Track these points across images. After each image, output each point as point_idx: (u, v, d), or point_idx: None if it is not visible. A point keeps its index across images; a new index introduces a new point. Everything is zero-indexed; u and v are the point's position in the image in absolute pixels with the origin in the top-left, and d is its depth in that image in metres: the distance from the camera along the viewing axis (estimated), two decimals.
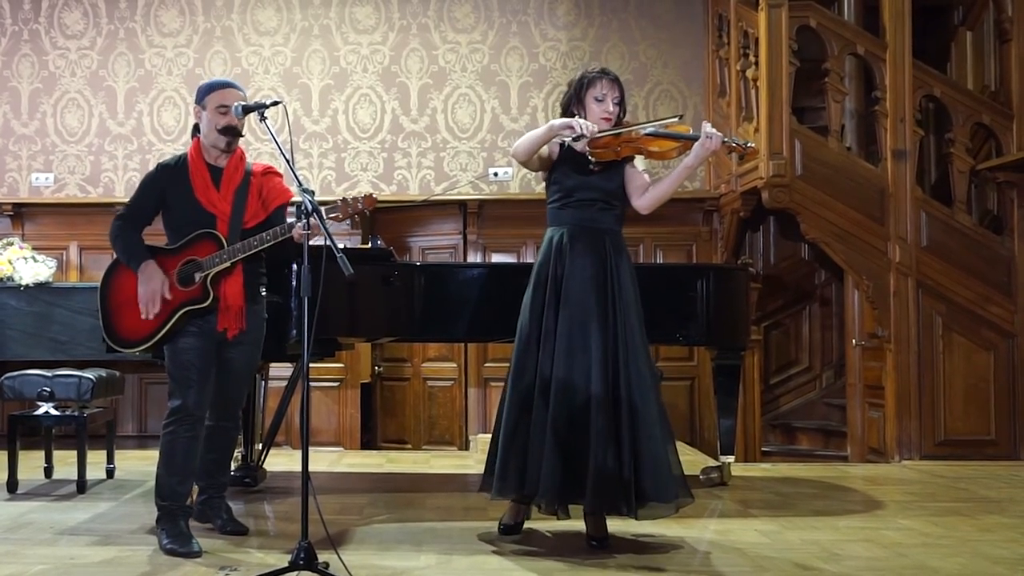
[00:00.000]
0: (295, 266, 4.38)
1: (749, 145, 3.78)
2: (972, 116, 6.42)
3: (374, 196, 3.52)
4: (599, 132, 3.73)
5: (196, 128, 3.88)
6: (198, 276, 3.71)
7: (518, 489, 3.72)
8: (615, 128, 3.79)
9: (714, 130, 3.67)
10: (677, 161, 3.85)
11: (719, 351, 5.22)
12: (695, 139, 3.71)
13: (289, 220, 3.74)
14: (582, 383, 3.63)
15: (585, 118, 3.77)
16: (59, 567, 3.44)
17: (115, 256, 3.89)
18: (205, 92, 3.83)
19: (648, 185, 3.87)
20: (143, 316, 3.71)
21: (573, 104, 3.85)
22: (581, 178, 3.78)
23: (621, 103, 3.84)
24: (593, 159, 3.77)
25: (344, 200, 3.50)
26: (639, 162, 3.88)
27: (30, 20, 7.64)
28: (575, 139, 3.72)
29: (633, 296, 3.76)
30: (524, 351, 3.76)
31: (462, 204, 7.49)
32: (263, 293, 3.94)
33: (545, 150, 3.79)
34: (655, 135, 3.78)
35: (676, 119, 3.99)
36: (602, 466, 3.57)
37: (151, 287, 3.71)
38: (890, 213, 6.27)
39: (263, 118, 3.60)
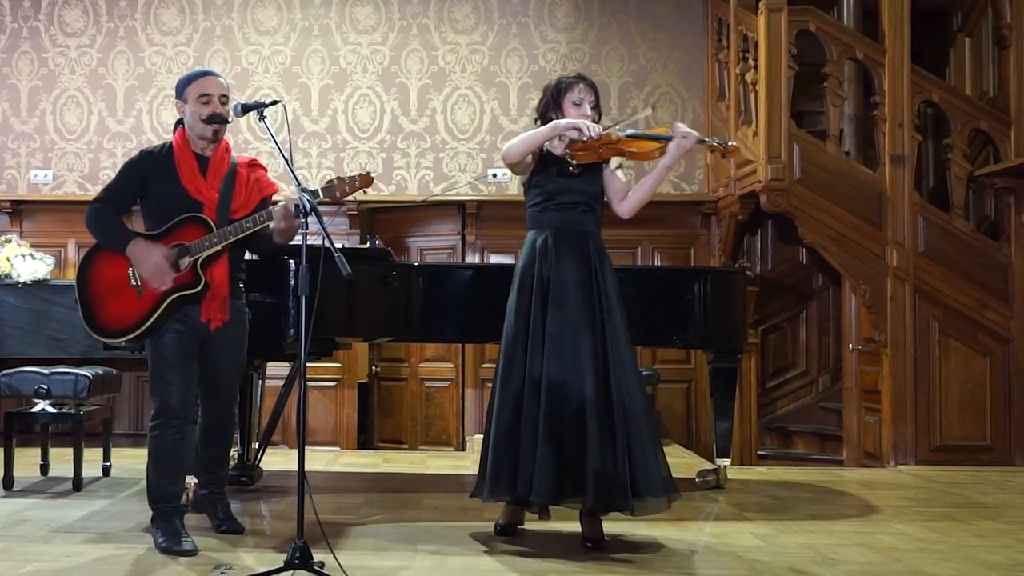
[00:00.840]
0: (293, 265, 4.39)
1: (731, 144, 3.81)
2: (970, 122, 6.43)
3: (369, 174, 3.48)
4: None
5: (179, 123, 3.83)
6: (185, 261, 3.64)
7: (511, 491, 3.72)
8: None
9: (688, 129, 3.73)
10: (657, 161, 3.85)
11: (716, 354, 5.22)
12: (671, 139, 3.75)
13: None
14: (574, 384, 3.65)
15: None
16: (54, 565, 3.43)
17: (92, 244, 3.78)
18: (184, 85, 3.81)
19: (627, 189, 3.91)
20: (160, 289, 3.61)
21: (550, 109, 3.87)
22: (563, 181, 3.80)
23: (597, 107, 3.88)
24: (574, 162, 3.79)
25: (340, 178, 3.47)
26: (613, 162, 3.89)
27: (30, 17, 7.64)
28: (583, 141, 3.71)
29: (616, 298, 3.79)
30: (511, 354, 3.77)
31: (461, 205, 7.50)
32: (242, 287, 3.90)
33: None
34: (635, 136, 3.80)
35: (649, 111, 4.01)
36: (600, 467, 3.59)
37: (152, 261, 3.62)
38: (888, 218, 6.28)
39: (262, 117, 3.57)
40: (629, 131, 3.81)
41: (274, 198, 3.90)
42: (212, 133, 3.74)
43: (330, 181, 3.50)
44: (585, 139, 3.67)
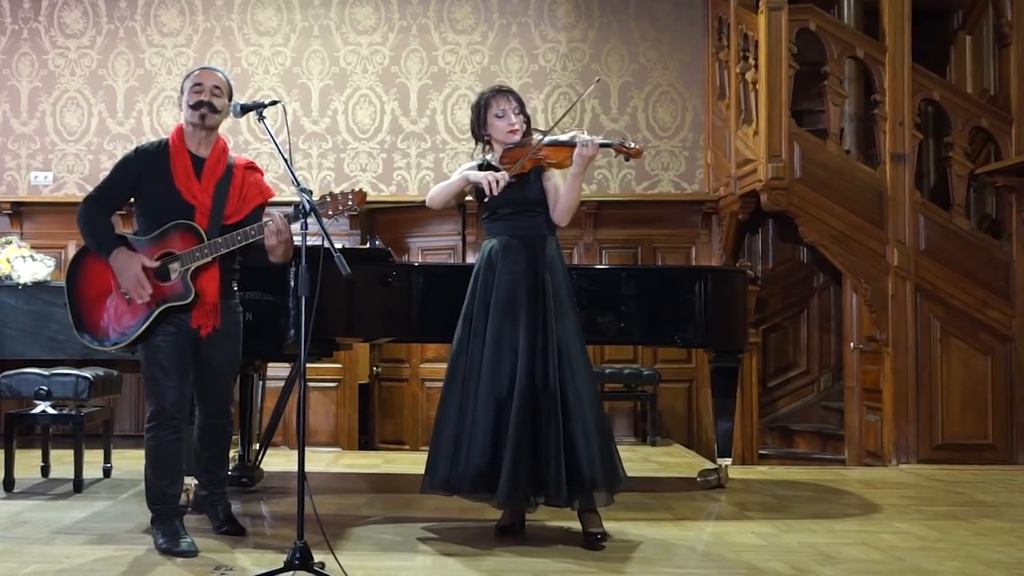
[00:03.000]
0: (293, 265, 4.38)
1: (633, 146, 3.84)
2: (971, 120, 6.42)
3: (363, 192, 3.49)
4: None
5: None
6: (175, 270, 3.61)
7: (444, 485, 3.82)
8: (523, 137, 3.91)
9: (588, 137, 3.78)
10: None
11: (717, 353, 5.21)
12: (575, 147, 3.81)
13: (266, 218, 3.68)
14: (508, 383, 3.74)
15: (491, 137, 3.96)
16: (55, 566, 3.43)
17: (82, 245, 3.75)
18: (185, 79, 3.84)
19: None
20: (137, 302, 3.60)
21: (478, 127, 3.99)
22: (501, 194, 3.85)
23: (522, 111, 3.95)
24: (506, 174, 3.86)
25: (333, 196, 3.47)
26: (556, 171, 3.92)
27: (30, 19, 7.64)
28: (511, 152, 3.85)
29: (566, 296, 3.87)
30: (456, 356, 3.90)
31: (461, 205, 7.48)
32: (235, 288, 3.87)
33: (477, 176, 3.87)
34: (551, 144, 3.86)
35: (596, 82, 4.04)
36: (517, 459, 3.66)
37: (132, 273, 3.59)
38: (889, 216, 6.28)
39: (261, 117, 3.57)
40: (547, 139, 3.87)
41: (267, 211, 3.86)
42: (199, 118, 3.71)
43: (323, 197, 3.48)
44: (485, 198, 3.83)
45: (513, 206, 3.90)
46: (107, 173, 3.83)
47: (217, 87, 3.77)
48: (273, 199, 3.95)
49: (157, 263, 3.62)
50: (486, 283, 3.89)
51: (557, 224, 3.94)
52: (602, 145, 3.80)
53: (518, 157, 3.85)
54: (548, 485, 3.68)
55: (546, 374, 3.74)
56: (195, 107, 3.72)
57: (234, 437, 4.56)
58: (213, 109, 3.73)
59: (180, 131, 3.78)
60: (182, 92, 3.79)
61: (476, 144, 4.06)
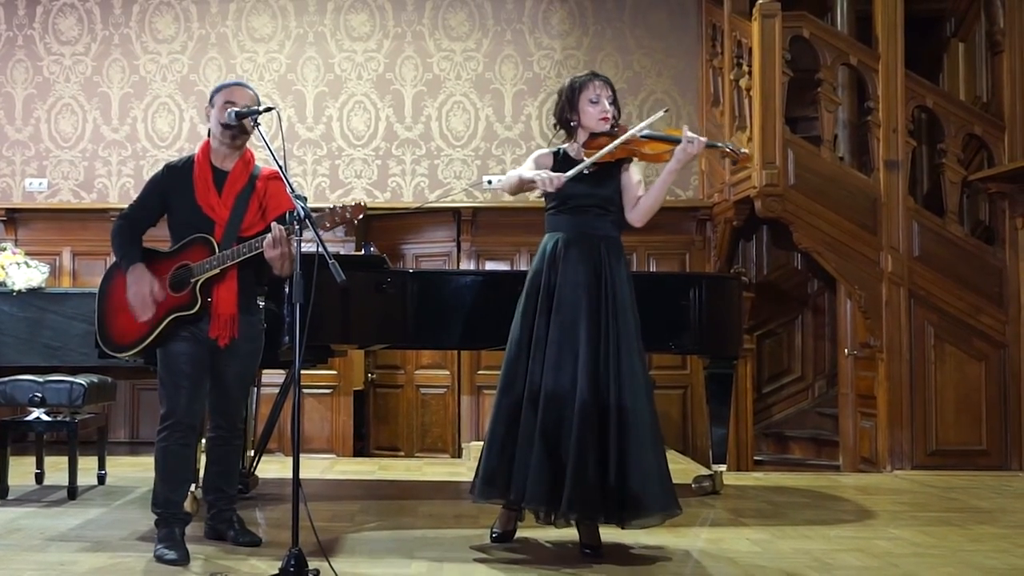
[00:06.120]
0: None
1: (743, 151, 3.76)
2: (964, 127, 6.44)
3: (362, 204, 3.47)
4: (600, 151, 3.72)
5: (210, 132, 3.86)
6: (187, 282, 3.67)
7: (503, 494, 3.72)
8: (611, 128, 3.77)
9: (694, 135, 3.65)
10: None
11: (711, 360, 5.22)
12: (679, 143, 3.68)
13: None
14: (570, 390, 3.62)
15: (581, 122, 3.80)
16: (49, 574, 3.43)
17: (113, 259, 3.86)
18: (215, 91, 3.82)
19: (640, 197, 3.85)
20: (136, 319, 3.68)
21: (567, 111, 3.83)
22: (575, 185, 3.73)
23: (615, 102, 3.83)
24: (587, 160, 3.75)
25: (332, 209, 3.46)
26: (635, 169, 3.85)
27: (24, 25, 7.64)
28: (543, 195, 3.73)
29: (629, 302, 3.73)
30: (515, 359, 3.75)
31: (456, 212, 7.51)
32: (260, 304, 3.88)
33: (530, 175, 3.74)
34: (649, 137, 3.76)
35: (662, 113, 3.98)
36: (582, 473, 3.55)
37: (139, 289, 3.67)
38: (882, 223, 6.29)
39: (256, 124, 3.61)
40: (645, 131, 3.76)
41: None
42: (229, 138, 3.74)
43: (323, 210, 3.46)
44: (538, 195, 3.71)
45: (587, 199, 3.75)
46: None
47: (249, 106, 3.74)
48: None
49: (180, 270, 3.68)
50: (548, 283, 3.73)
51: (632, 224, 3.79)
52: (709, 145, 3.68)
53: (604, 145, 3.70)
54: (603, 502, 3.58)
55: (608, 385, 3.61)
56: (225, 126, 3.72)
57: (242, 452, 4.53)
58: (244, 131, 3.74)
59: (206, 146, 3.80)
60: (211, 104, 3.78)
61: (558, 130, 3.90)
